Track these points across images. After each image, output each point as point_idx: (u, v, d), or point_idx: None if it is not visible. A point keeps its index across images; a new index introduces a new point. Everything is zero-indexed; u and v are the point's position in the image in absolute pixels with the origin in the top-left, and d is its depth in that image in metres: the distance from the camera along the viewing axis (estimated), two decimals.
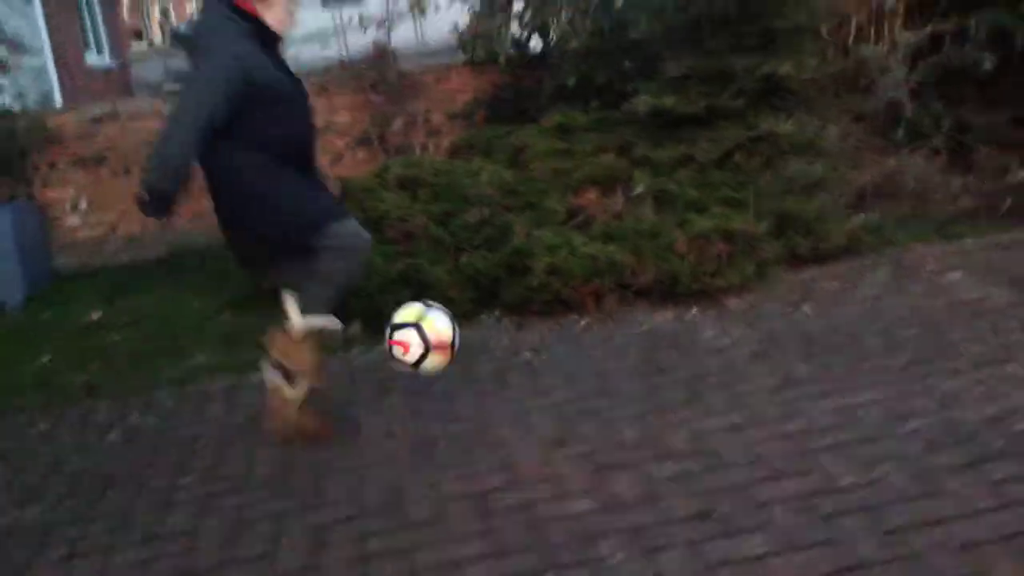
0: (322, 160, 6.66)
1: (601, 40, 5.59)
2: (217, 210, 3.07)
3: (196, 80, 2.89)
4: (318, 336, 3.15)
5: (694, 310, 4.03)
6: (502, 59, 5.99)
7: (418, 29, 7.53)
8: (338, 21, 6.63)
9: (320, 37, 7.47)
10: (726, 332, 3.77)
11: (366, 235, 3.07)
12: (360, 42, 6.69)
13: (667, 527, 2.48)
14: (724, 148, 4.90)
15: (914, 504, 2.46)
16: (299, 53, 7.37)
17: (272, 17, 3.00)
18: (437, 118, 6.60)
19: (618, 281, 4.13)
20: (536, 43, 6.11)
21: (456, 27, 6.21)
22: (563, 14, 5.68)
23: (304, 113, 3.16)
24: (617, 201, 4.72)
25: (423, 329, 2.93)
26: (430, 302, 3.09)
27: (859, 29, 5.84)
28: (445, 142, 6.44)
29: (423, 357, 2.94)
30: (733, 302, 4.06)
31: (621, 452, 2.91)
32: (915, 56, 5.60)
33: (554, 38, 5.73)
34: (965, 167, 5.44)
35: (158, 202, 2.88)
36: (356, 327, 4.04)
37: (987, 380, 3.06)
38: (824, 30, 5.81)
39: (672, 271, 4.12)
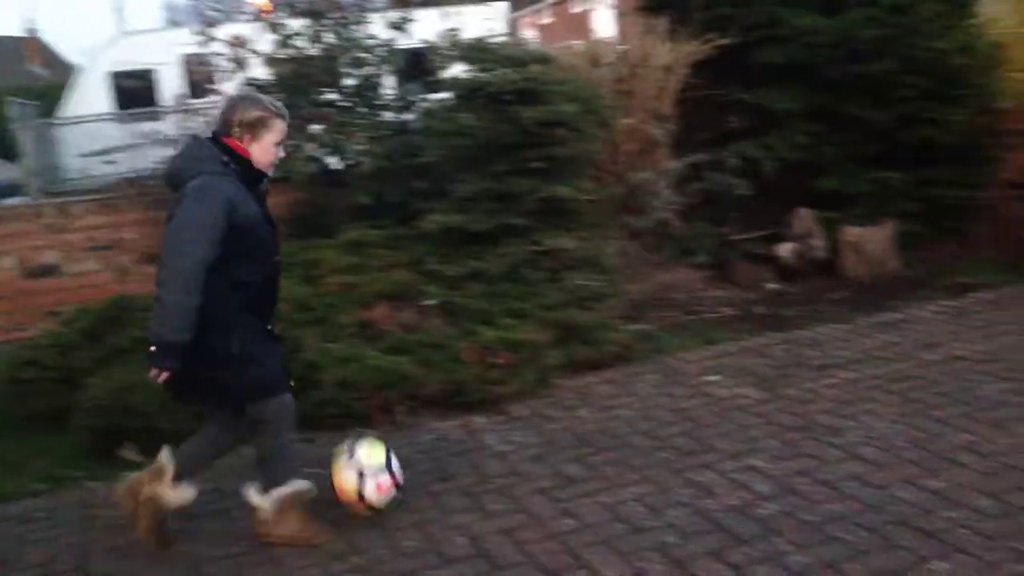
0: (106, 277, 6.47)
1: (393, 162, 5.84)
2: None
3: (189, 223, 2.83)
4: (293, 502, 3.13)
5: (480, 417, 4.17)
6: (299, 178, 6.10)
7: None
8: (130, 138, 6.54)
9: (112, 152, 7.34)
10: (508, 438, 3.92)
11: (292, 406, 3.16)
12: (154, 158, 6.62)
13: None
14: (511, 262, 5.18)
15: None
16: (89, 167, 7.22)
17: (260, 156, 3.00)
18: None
19: (407, 392, 4.22)
20: (335, 162, 6.27)
21: None
22: (358, 137, 5.90)
23: (275, 253, 3.16)
24: (408, 314, 4.87)
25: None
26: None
27: (631, 157, 6.41)
28: None
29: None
30: (516, 408, 4.24)
31: (401, 561, 2.95)
32: (681, 181, 6.22)
33: (348, 160, 5.93)
34: (726, 279, 6.02)
35: (167, 353, 2.82)
36: (128, 448, 3.88)
37: (735, 472, 3.36)
38: (601, 158, 6.35)
39: (459, 380, 4.27)
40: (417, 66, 6.31)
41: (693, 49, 6.26)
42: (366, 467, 3.20)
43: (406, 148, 5.87)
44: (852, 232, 6.00)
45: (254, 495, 3.14)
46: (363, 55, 6.09)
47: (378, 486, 3.19)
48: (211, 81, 6.07)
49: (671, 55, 6.25)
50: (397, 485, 3.24)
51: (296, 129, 6.10)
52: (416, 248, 5.45)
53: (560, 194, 5.22)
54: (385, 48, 6.13)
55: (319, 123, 6.07)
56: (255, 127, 2.98)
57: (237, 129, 2.98)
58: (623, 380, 4.49)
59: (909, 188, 6.14)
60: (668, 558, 2.82)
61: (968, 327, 4.67)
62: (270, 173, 3.09)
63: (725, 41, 6.17)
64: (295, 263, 5.60)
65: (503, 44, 5.60)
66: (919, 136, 5.99)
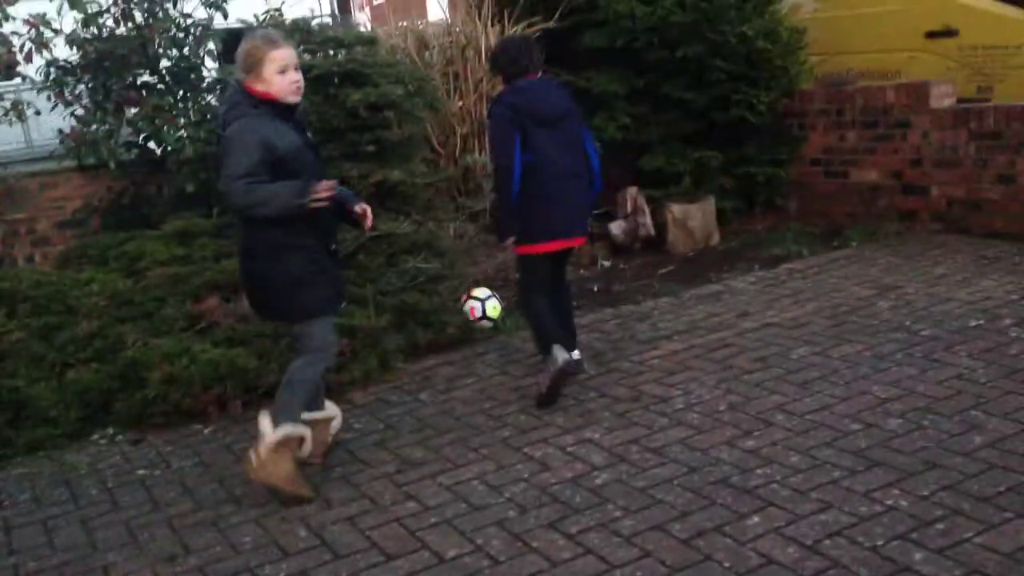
0: None
1: (217, 147, 5.61)
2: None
3: (229, 175, 3.07)
4: (290, 445, 3.22)
5: None
6: (112, 164, 5.77)
7: (27, 133, 7.01)
8: None
9: None
10: (350, 425, 3.90)
11: (334, 346, 3.44)
12: None
13: None
14: (347, 249, 5.11)
15: (509, 564, 2.73)
16: None
17: (272, 89, 3.14)
18: (43, 227, 6.14)
19: (242, 385, 4.11)
20: (154, 147, 5.97)
21: (60, 132, 5.88)
22: (179, 122, 5.63)
23: (321, 176, 3.24)
24: (242, 305, 4.72)
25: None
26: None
27: (464, 140, 6.46)
28: (55, 252, 6.01)
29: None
30: (358, 395, 4.22)
31: (238, 558, 2.89)
32: None
33: (169, 146, 5.65)
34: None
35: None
36: None
37: (572, 445, 3.49)
38: (434, 141, 6.37)
39: None
40: (237, 48, 6.07)
41: (518, 32, 6.36)
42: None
43: None
44: (676, 209, 6.31)
45: (265, 421, 3.26)
46: (178, 35, 5.81)
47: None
48: (11, 63, 5.62)
49: (496, 38, 6.33)
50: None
51: (109, 113, 5.77)
52: None
53: (393, 178, 5.20)
54: (202, 28, 5.86)
55: (134, 106, 5.75)
56: (252, 65, 3.15)
57: (243, 73, 3.18)
58: (463, 361, 4.55)
59: (725, 166, 6.52)
60: (507, 532, 2.90)
61: (779, 296, 5.03)
62: (294, 100, 3.21)
63: (548, 25, 6.32)
64: (115, 255, 5.33)
65: (326, 25, 5.49)
66: (732, 117, 6.35)
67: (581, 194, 3.97)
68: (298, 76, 3.20)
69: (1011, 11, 6.28)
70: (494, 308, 4.29)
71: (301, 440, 3.28)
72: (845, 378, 3.80)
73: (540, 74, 3.98)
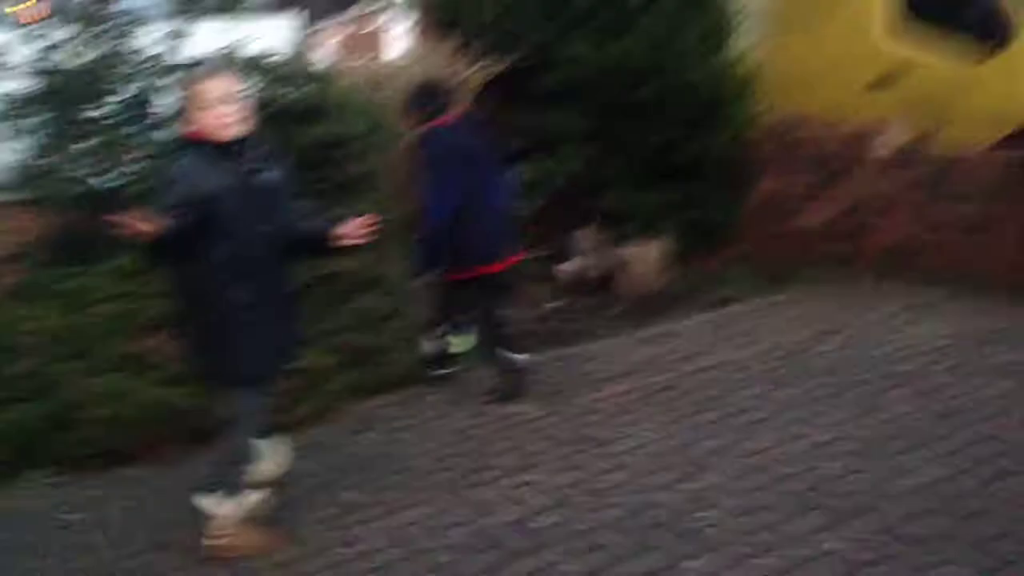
0: None
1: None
2: None
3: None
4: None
5: None
6: (65, 198, 5.68)
7: None
8: None
9: None
10: (292, 467, 3.84)
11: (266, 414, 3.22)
12: None
13: None
14: (294, 285, 5.09)
15: None
16: None
17: (201, 128, 2.98)
18: None
19: (180, 426, 4.04)
20: (99, 182, 5.89)
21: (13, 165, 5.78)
22: (129, 158, 5.58)
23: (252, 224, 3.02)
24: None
25: None
26: None
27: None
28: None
29: None
30: (299, 436, 4.14)
31: None
32: None
33: (118, 181, 5.59)
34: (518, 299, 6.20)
35: None
36: None
37: (513, 487, 3.48)
38: (387, 178, 6.37)
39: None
40: None
41: (476, 71, 6.43)
42: None
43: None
44: (625, 250, 6.37)
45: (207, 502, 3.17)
46: (131, 70, 5.77)
47: None
48: None
49: (456, 76, 6.39)
50: None
51: (53, 148, 5.70)
52: None
53: (343, 216, 5.18)
54: (156, 62, 5.84)
55: (83, 141, 5.69)
56: (182, 107, 3.09)
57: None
58: (408, 402, 4.53)
59: (678, 208, 6.60)
60: None
61: (724, 338, 5.09)
62: (226, 134, 3.01)
63: (502, 66, 6.39)
64: (59, 292, 5.23)
65: (282, 61, 5.50)
66: (683, 160, 6.45)
67: None
68: (230, 109, 2.99)
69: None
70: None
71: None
72: (782, 422, 3.85)
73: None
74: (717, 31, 6.65)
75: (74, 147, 5.79)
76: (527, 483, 3.51)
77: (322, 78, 5.48)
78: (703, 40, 6.49)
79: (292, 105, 5.10)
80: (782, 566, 2.78)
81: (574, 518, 3.20)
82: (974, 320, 4.92)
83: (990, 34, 6.26)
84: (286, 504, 3.48)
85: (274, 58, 5.56)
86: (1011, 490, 3.09)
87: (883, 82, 6.79)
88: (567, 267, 6.36)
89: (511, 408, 4.31)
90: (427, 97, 4.24)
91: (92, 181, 5.87)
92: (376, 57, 8.18)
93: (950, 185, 5.58)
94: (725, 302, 5.84)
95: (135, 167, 5.54)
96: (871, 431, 3.67)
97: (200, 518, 3.11)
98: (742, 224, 6.75)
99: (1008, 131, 6.07)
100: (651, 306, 5.94)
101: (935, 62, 6.57)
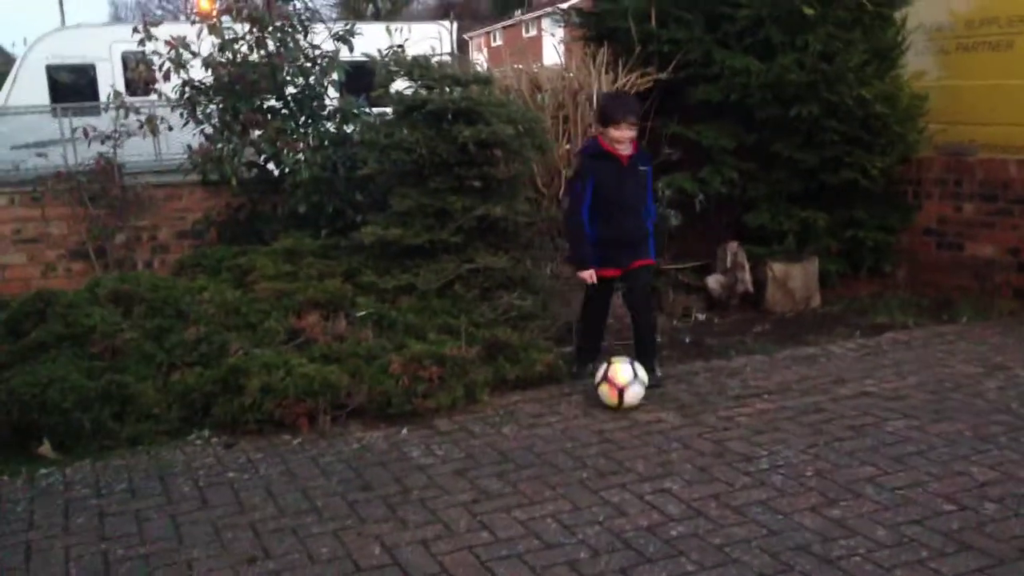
0: (32, 271, 6.34)
1: (332, 173, 5.86)
2: None
3: None
4: None
5: (405, 430, 4.20)
6: (234, 181, 6.07)
7: (157, 146, 7.46)
8: (66, 131, 6.43)
9: (46, 145, 7.19)
10: (432, 450, 3.96)
11: None
12: (90, 154, 6.52)
13: None
14: (444, 278, 5.24)
15: None
16: (21, 159, 7.04)
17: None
18: (165, 235, 6.51)
19: (333, 401, 4.23)
20: (273, 168, 6.26)
21: (188, 148, 6.24)
22: (299, 146, 5.91)
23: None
24: (339, 324, 4.88)
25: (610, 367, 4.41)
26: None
27: (569, 183, 6.53)
28: (172, 259, 6.34)
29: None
30: (442, 422, 4.28)
31: (312, 567, 2.96)
32: None
33: (287, 167, 5.92)
34: (657, 307, 6.15)
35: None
36: (45, 445, 3.81)
37: (649, 494, 3.45)
38: (539, 181, 6.46)
39: (386, 392, 4.29)
40: (360, 79, 6.35)
41: (631, 81, 6.43)
42: (620, 384, 4.33)
43: (345, 160, 5.89)
44: (777, 267, 6.21)
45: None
46: (306, 64, 6.11)
47: (633, 396, 4.35)
48: (149, 80, 6.02)
49: (609, 86, 6.41)
50: (643, 385, 4.37)
51: (235, 133, 6.10)
52: (350, 259, 5.47)
53: (495, 214, 5.30)
54: (328, 59, 6.16)
55: (258, 128, 6.06)
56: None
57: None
58: (548, 400, 4.57)
59: (832, 228, 6.39)
60: (577, 573, 2.89)
61: (879, 365, 4.88)
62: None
63: (661, 76, 6.36)
64: (228, 267, 5.59)
65: (445, 63, 5.68)
66: (843, 179, 6.23)
67: None
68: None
69: None
70: (633, 396, 4.37)
71: None
72: (942, 456, 3.66)
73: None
74: (888, 49, 6.39)
75: (249, 134, 6.19)
76: (664, 490, 3.48)
77: (480, 80, 5.62)
78: (873, 57, 6.25)
79: (450, 105, 5.26)
80: None
81: (711, 531, 3.14)
82: None
83: None
84: (420, 485, 3.59)
85: (436, 59, 5.75)
86: None
87: None
88: (715, 280, 6.25)
89: (652, 415, 4.28)
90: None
91: (264, 166, 6.26)
92: (534, 62, 8.28)
93: None
94: (882, 328, 5.60)
95: (305, 155, 5.86)
96: None
97: None
98: (904, 248, 6.46)
99: None
100: (800, 326, 5.77)
101: None
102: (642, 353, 4.67)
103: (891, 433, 3.92)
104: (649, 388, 4.43)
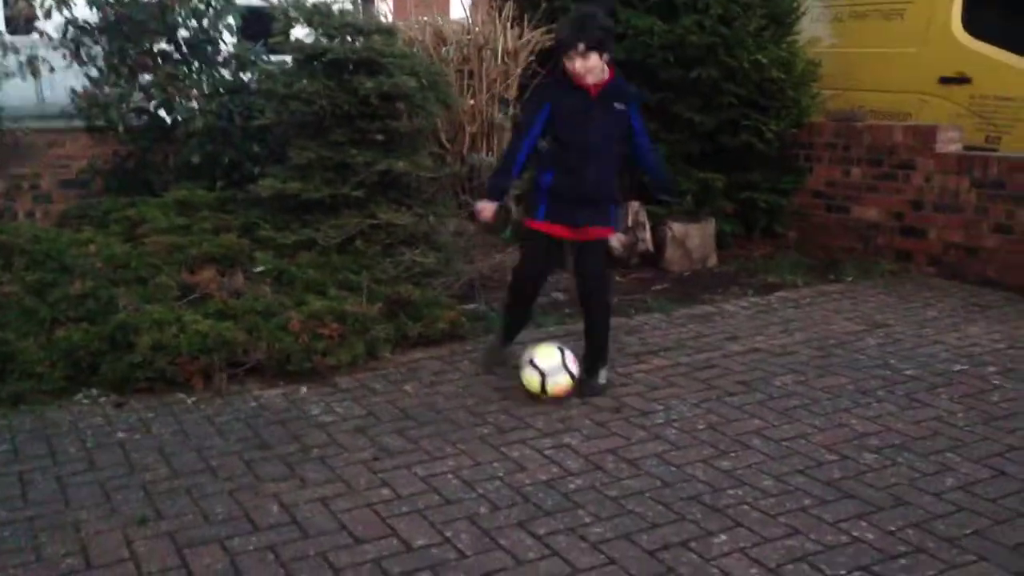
0: None
1: (228, 122, 5.65)
2: None
3: None
4: None
5: (304, 388, 4.14)
6: (121, 128, 5.79)
7: (39, 89, 7.03)
8: None
9: None
10: (332, 408, 3.92)
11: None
12: None
13: None
14: (345, 234, 5.16)
15: (475, 559, 2.75)
16: None
17: None
18: (47, 184, 6.17)
19: (229, 359, 4.13)
20: (164, 115, 6.00)
21: (73, 91, 5.90)
22: (192, 93, 5.67)
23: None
24: (236, 280, 4.75)
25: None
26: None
27: (473, 139, 6.49)
28: (56, 210, 6.03)
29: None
30: (343, 380, 4.24)
31: (207, 528, 2.91)
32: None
33: (179, 115, 5.68)
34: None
35: None
36: None
37: (549, 449, 3.51)
38: (443, 136, 6.40)
39: (285, 349, 4.21)
40: (258, 25, 6.12)
41: (535, 38, 6.40)
42: (544, 369, 3.86)
43: (242, 109, 5.69)
44: (676, 227, 6.35)
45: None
46: (199, 6, 5.84)
47: (556, 385, 3.87)
48: (30, 17, 5.65)
49: (515, 41, 6.37)
50: (573, 380, 3.88)
51: (123, 77, 5.80)
52: (247, 213, 5.32)
53: (398, 168, 5.23)
54: (223, 2, 5.90)
55: (148, 73, 5.78)
56: None
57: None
58: (451, 357, 4.57)
59: (728, 190, 6.56)
60: (476, 527, 2.92)
61: (769, 323, 5.06)
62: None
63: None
64: (116, 219, 5.35)
65: (347, 11, 5.52)
66: (740, 142, 6.39)
67: None
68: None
69: None
70: (557, 386, 3.88)
71: None
72: (825, 409, 3.84)
73: None
74: (784, 15, 6.54)
75: (139, 79, 5.90)
76: (563, 445, 3.54)
77: (383, 30, 5.49)
78: (770, 23, 6.39)
79: (351, 55, 5.13)
80: (811, 549, 2.78)
81: (608, 483, 3.22)
82: None
83: None
84: (320, 443, 3.56)
85: (337, 6, 5.58)
86: None
87: (955, 78, 6.67)
88: (617, 239, 6.33)
89: None
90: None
91: (155, 113, 5.99)
92: (440, 15, 8.14)
93: (1017, 187, 5.47)
94: (773, 287, 5.81)
95: (199, 102, 5.63)
96: (915, 427, 3.65)
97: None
98: (795, 210, 6.70)
99: None
100: (698, 285, 5.93)
101: (1011, 63, 6.43)
102: (589, 355, 4.05)
103: (778, 387, 4.09)
104: (589, 395, 3.95)
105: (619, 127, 3.88)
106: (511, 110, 6.47)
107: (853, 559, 2.72)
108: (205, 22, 6.00)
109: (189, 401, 3.97)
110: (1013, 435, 3.54)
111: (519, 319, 4.35)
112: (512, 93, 6.50)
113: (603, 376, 4.06)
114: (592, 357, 4.05)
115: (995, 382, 4.09)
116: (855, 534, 2.86)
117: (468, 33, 6.67)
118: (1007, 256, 5.53)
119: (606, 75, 3.82)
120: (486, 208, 4.00)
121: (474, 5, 7.91)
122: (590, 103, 3.81)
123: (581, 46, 3.70)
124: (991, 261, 5.61)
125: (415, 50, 6.13)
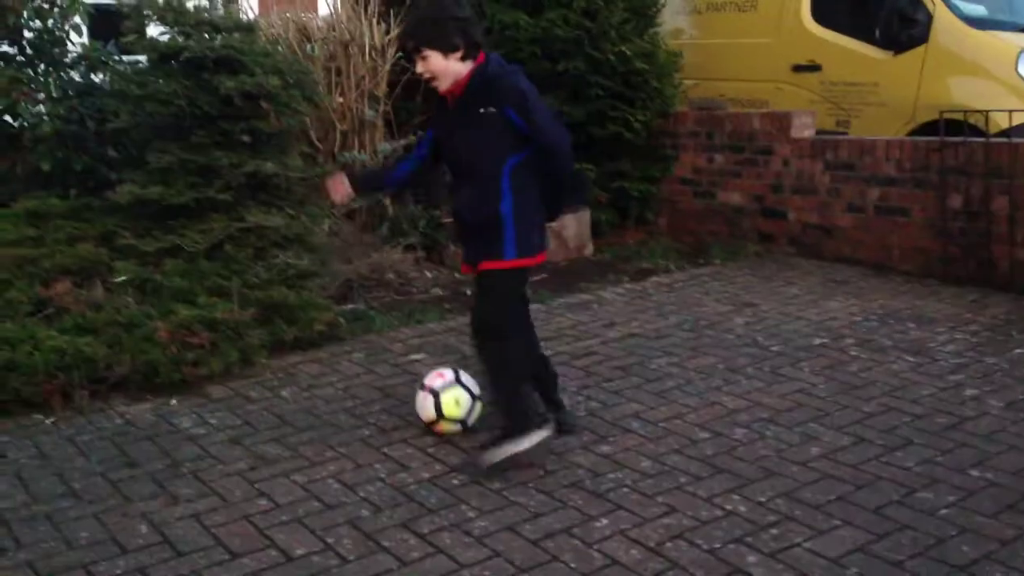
0: None
1: (79, 126, 5.35)
2: None
3: None
4: None
5: (174, 400, 3.98)
6: None
7: None
8: None
9: None
10: (205, 420, 3.79)
11: None
12: None
13: None
14: (213, 239, 4.96)
15: (358, 563, 2.71)
16: None
17: None
18: None
19: (91, 375, 3.93)
20: (8, 122, 5.62)
21: None
22: (39, 97, 5.34)
23: None
24: (96, 292, 4.52)
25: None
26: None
27: (344, 137, 6.38)
28: None
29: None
30: (216, 389, 4.10)
31: (72, 554, 2.76)
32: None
33: (24, 121, 5.34)
34: (438, 261, 6.20)
35: None
36: None
37: (431, 446, 3.49)
38: (313, 135, 6.26)
39: (152, 362, 4.04)
40: (108, 24, 5.82)
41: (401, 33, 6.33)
42: (436, 387, 3.52)
43: (94, 112, 5.40)
44: None
45: None
46: (43, 6, 5.51)
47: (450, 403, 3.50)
48: None
49: (382, 37, 6.30)
50: (473, 396, 3.53)
51: None
52: (105, 221, 5.05)
53: (266, 170, 5.07)
54: (69, 0, 5.58)
55: None
56: None
57: None
58: (329, 360, 4.49)
59: (601, 180, 6.68)
60: (359, 531, 2.88)
61: (645, 308, 5.19)
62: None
63: None
64: None
65: (202, 8, 5.32)
66: (609, 132, 6.52)
67: None
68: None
69: (870, 50, 6.71)
70: (454, 404, 3.48)
71: None
72: (699, 388, 3.97)
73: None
74: (646, 8, 6.71)
75: None
76: (446, 441, 3.53)
77: (243, 27, 5.31)
78: (633, 15, 6.55)
79: (209, 53, 4.94)
80: (688, 525, 2.87)
81: (491, 476, 3.23)
82: (885, 299, 5.14)
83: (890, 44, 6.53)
84: (191, 457, 3.43)
85: (191, 4, 5.37)
86: (911, 459, 3.25)
87: (806, 66, 7.00)
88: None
89: (429, 370, 4.30)
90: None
91: (1, 119, 5.61)
92: (306, 12, 7.96)
93: (866, 168, 5.78)
94: (647, 273, 5.96)
95: (46, 106, 5.32)
96: (781, 400, 3.81)
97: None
98: (665, 197, 6.89)
99: (918, 123, 6.34)
100: (574, 274, 6.02)
101: (857, 49, 6.80)
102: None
103: (654, 370, 4.20)
104: (470, 470, 3.25)
105: (494, 134, 3.15)
106: (381, 107, 6.40)
107: (728, 532, 2.82)
108: (50, 22, 5.65)
109: (47, 422, 3.76)
110: (870, 403, 3.75)
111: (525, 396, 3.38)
112: (382, 89, 6.42)
113: (500, 452, 3.19)
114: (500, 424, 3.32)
115: (853, 353, 4.32)
116: (728, 507, 2.97)
117: (333, 29, 6.55)
118: (859, 233, 5.85)
119: (463, 75, 3.16)
120: (339, 184, 3.45)
121: (339, 1, 7.78)
122: (450, 113, 3.24)
123: (411, 44, 3.19)
124: (845, 239, 5.92)
125: (278, 48, 5.97)
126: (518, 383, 3.29)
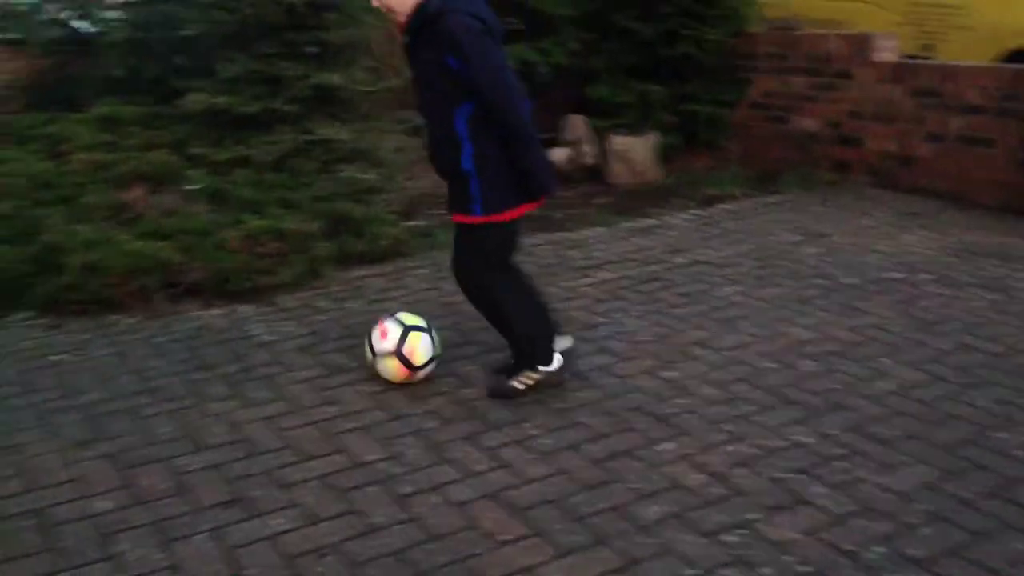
0: None
1: (150, 33, 5.36)
2: None
3: None
4: None
5: (245, 307, 4.06)
6: (38, 41, 5.46)
7: None
8: None
9: None
10: (275, 328, 3.86)
11: None
12: None
13: (193, 516, 2.51)
14: (281, 151, 5.00)
15: (423, 472, 2.76)
16: None
17: None
18: None
19: (166, 279, 4.02)
20: (83, 26, 5.67)
21: None
22: (109, 1, 5.36)
23: None
24: (168, 198, 4.59)
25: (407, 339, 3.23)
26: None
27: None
28: None
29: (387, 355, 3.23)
30: (285, 299, 4.17)
31: (152, 448, 2.87)
32: None
33: (100, 27, 5.37)
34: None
35: None
36: None
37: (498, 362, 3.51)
38: (379, 49, 6.17)
39: (224, 269, 4.12)
40: None
41: None
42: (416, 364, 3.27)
43: (164, 19, 5.40)
44: (618, 141, 6.31)
45: None
46: None
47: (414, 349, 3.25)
48: None
49: None
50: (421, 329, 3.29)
51: None
52: (177, 129, 5.11)
53: (332, 82, 5.06)
54: None
55: None
56: None
57: None
58: (395, 274, 4.52)
59: (669, 102, 6.52)
60: (425, 441, 2.93)
61: (712, 235, 5.11)
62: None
63: None
64: (35, 136, 5.10)
65: None
66: (679, 52, 6.32)
67: None
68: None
69: None
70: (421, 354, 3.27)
71: None
72: (766, 319, 3.91)
73: None
74: None
75: None
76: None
77: None
78: None
79: None
80: (752, 454, 2.86)
81: (554, 395, 3.25)
82: (964, 233, 4.97)
83: None
84: (264, 363, 3.51)
85: None
86: (984, 399, 3.18)
87: None
88: (559, 153, 6.29)
89: None
90: None
91: (74, 24, 5.66)
92: None
93: (949, 96, 5.53)
94: (715, 199, 5.84)
95: (116, 13, 5.33)
96: (852, 333, 3.74)
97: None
98: (735, 123, 6.70)
99: (1007, 49, 6.02)
100: (641, 198, 5.93)
101: None
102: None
103: (720, 298, 4.14)
104: (488, 393, 3.26)
105: (439, 81, 2.81)
106: None
107: (792, 462, 2.81)
108: None
109: (125, 323, 3.87)
110: (946, 340, 3.66)
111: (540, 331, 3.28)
112: None
113: (516, 382, 3.20)
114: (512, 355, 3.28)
115: (928, 289, 4.21)
116: (794, 438, 2.95)
117: None
118: (939, 164, 5.63)
119: (409, 7, 2.80)
120: None
121: None
122: (406, 51, 2.93)
123: None
124: (924, 169, 5.71)
125: None
126: (516, 318, 3.19)
